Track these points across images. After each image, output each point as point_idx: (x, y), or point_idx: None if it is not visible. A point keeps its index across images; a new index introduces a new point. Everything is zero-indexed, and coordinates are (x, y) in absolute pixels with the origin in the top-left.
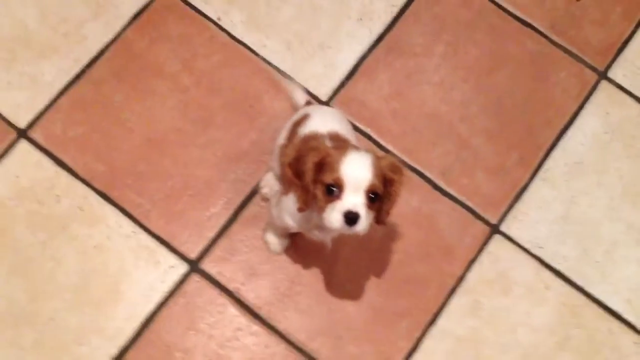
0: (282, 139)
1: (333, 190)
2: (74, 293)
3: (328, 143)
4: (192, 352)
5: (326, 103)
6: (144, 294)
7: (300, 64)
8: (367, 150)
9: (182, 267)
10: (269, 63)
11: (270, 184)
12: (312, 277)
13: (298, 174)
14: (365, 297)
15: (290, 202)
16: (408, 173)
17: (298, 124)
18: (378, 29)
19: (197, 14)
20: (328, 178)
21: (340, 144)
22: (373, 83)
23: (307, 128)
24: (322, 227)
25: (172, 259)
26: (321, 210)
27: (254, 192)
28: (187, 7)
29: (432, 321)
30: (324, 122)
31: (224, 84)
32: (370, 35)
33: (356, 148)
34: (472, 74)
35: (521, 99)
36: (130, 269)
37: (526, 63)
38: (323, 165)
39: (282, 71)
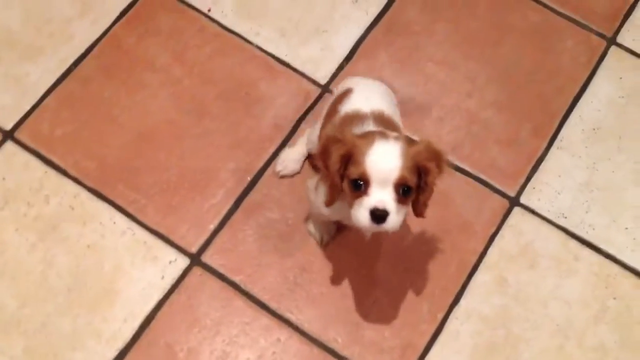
0: (323, 115)
1: (360, 185)
2: (66, 296)
3: (371, 126)
4: (197, 351)
5: (326, 86)
6: (143, 292)
7: (296, 49)
8: (398, 137)
9: (183, 262)
10: (264, 50)
11: (285, 163)
12: (323, 264)
13: (326, 166)
14: (381, 280)
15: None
16: (447, 158)
17: (340, 100)
18: (374, 10)
19: (186, 7)
20: (353, 173)
21: (368, 133)
22: (374, 64)
23: (349, 105)
24: None
25: (172, 254)
26: (350, 206)
27: (256, 180)
28: (176, 1)
29: (455, 301)
30: (367, 98)
31: (218, 74)
32: (367, 16)
33: (384, 135)
34: (475, 48)
35: (529, 69)
36: (127, 266)
37: (530, 34)
38: (350, 158)
39: None
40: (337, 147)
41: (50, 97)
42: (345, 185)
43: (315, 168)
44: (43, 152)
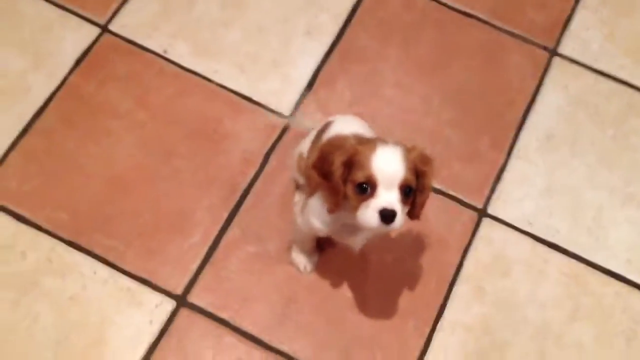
0: (303, 147)
1: (366, 188)
2: (55, 350)
3: (353, 141)
4: None
5: (290, 117)
6: (132, 338)
7: (256, 83)
8: (396, 143)
9: (169, 304)
10: (225, 87)
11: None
12: (308, 292)
13: (325, 174)
14: (366, 302)
15: (318, 203)
16: (436, 163)
17: (322, 131)
18: (327, 39)
19: (142, 50)
20: (359, 177)
21: (367, 140)
22: (333, 91)
23: (330, 133)
24: (351, 228)
25: (157, 298)
26: (354, 209)
27: (232, 215)
28: (131, 45)
29: (439, 315)
30: (347, 125)
31: (182, 114)
32: (321, 46)
33: (383, 141)
34: (426, 70)
35: (479, 86)
36: (113, 315)
37: (477, 52)
38: (352, 164)
39: None
40: (339, 153)
41: (13, 152)
42: (350, 189)
43: (299, 187)
44: (13, 207)
